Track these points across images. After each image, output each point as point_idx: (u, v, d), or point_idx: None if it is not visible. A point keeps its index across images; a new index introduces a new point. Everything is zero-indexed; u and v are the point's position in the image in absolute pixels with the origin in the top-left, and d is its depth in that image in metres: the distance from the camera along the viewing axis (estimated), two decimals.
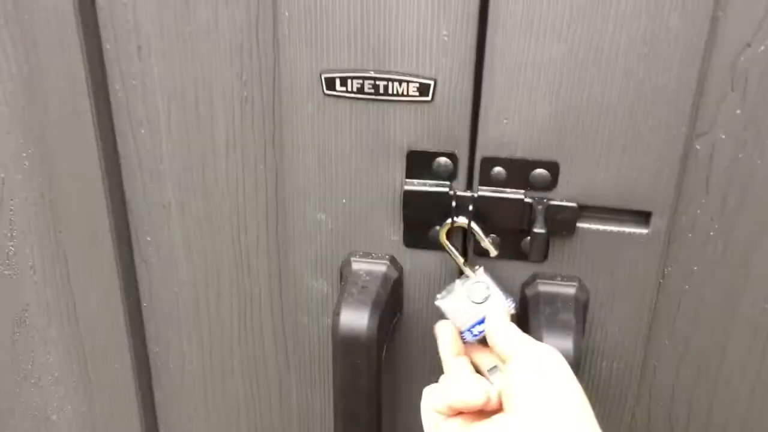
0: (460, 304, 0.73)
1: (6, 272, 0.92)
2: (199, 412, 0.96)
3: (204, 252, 0.86)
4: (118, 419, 0.97)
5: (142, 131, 0.81)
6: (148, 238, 0.86)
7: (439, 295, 0.75)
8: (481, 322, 0.72)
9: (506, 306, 0.72)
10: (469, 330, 0.73)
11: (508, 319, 0.71)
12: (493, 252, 0.74)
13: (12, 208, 0.88)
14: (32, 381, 0.99)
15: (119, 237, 0.86)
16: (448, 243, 0.74)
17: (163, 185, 0.83)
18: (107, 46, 0.77)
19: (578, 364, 0.69)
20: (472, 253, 0.77)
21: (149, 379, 0.95)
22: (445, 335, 0.73)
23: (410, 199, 0.75)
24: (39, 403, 1.00)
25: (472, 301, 0.73)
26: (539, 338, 0.69)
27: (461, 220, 0.74)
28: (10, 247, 0.90)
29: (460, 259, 0.75)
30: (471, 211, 0.74)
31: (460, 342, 0.73)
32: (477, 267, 0.75)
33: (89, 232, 0.86)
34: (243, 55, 0.75)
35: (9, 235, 0.89)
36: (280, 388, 0.91)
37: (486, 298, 0.73)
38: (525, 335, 0.67)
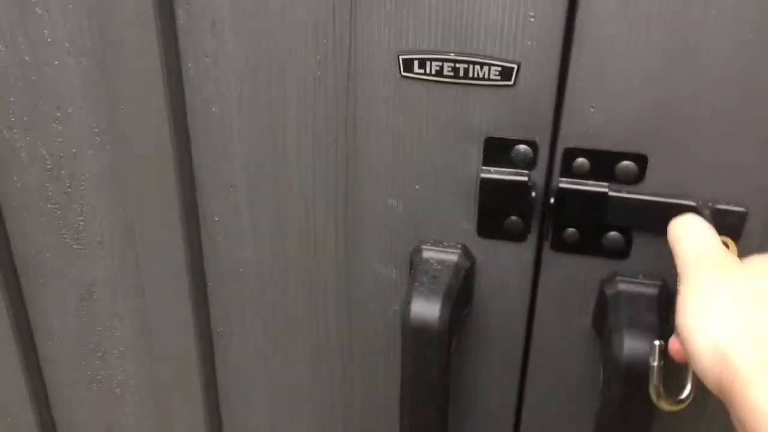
0: None
1: (75, 246, 0.92)
2: (261, 394, 0.95)
3: (271, 233, 0.84)
4: (180, 396, 0.97)
5: (214, 109, 0.79)
6: (216, 218, 0.85)
7: None
8: None
9: None
10: None
11: None
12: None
13: (83, 183, 0.88)
14: (98, 354, 1.00)
15: (187, 215, 0.85)
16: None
17: (232, 165, 0.82)
18: (181, 21, 0.76)
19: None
20: (549, 246, 0.74)
21: (212, 357, 0.95)
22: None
23: (486, 187, 0.72)
24: (103, 376, 1.01)
25: None
26: (620, 340, 0.66)
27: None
28: (80, 222, 0.90)
29: None
30: (550, 203, 0.71)
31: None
32: None
33: (158, 209, 0.85)
34: (318, 34, 0.72)
35: (79, 210, 0.90)
36: (343, 376, 0.90)
37: None
38: None
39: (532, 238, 0.74)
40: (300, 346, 0.90)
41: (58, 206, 0.90)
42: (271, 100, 0.77)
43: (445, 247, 0.76)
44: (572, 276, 0.74)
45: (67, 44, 0.80)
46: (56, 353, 1.02)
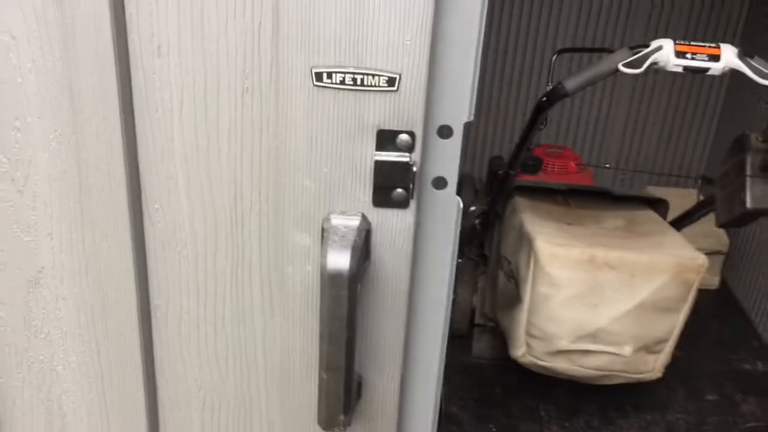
0: None
1: (26, 239, 1.07)
2: (192, 357, 1.13)
3: (204, 216, 1.04)
4: (121, 366, 1.13)
5: (157, 115, 0.99)
6: (157, 206, 1.04)
7: None
8: None
9: None
10: None
11: None
12: None
13: (36, 182, 1.04)
14: (41, 336, 1.14)
15: (133, 204, 1.03)
16: None
17: (172, 160, 1.01)
18: (133, 45, 0.96)
19: None
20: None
21: (149, 328, 1.12)
22: None
23: (379, 167, 0.97)
24: (45, 356, 1.15)
25: None
26: None
27: None
28: (32, 217, 1.06)
29: None
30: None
31: None
32: None
33: (107, 201, 1.03)
34: (246, 54, 0.95)
35: (32, 206, 1.05)
36: (264, 328, 1.10)
37: None
38: None
39: (412, 205, 0.99)
40: (227, 310, 1.10)
41: (11, 203, 1.05)
42: (207, 106, 0.98)
43: (349, 215, 1.00)
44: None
45: (29, 65, 0.97)
46: (2, 339, 1.14)
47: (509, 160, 2.08)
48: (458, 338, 2.53)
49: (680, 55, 1.51)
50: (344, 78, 0.93)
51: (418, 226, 1.01)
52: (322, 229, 1.01)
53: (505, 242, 2.27)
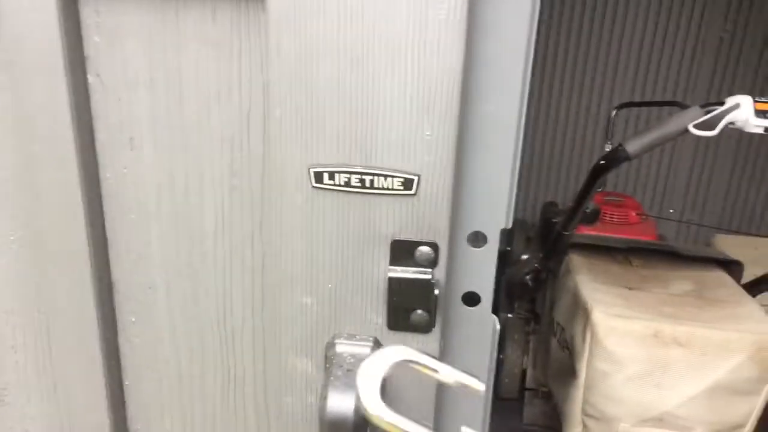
0: None
1: None
2: None
3: (189, 332, 0.88)
4: None
5: (132, 216, 0.83)
6: (133, 319, 0.88)
7: None
8: None
9: None
10: None
11: None
12: None
13: None
14: None
15: (104, 317, 0.87)
16: None
17: (150, 268, 0.85)
18: (100, 136, 0.80)
19: None
20: None
21: None
22: None
23: (394, 285, 0.78)
24: None
25: None
26: None
27: None
28: None
29: None
30: None
31: None
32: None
33: (74, 312, 0.87)
34: (233, 147, 0.78)
35: None
36: None
37: None
38: None
39: (437, 328, 0.81)
40: None
41: None
42: (189, 206, 0.81)
43: (357, 340, 0.82)
44: None
45: None
46: None
47: (564, 221, 1.87)
48: (507, 402, 2.32)
49: (761, 114, 1.30)
50: (350, 179, 0.75)
51: (444, 352, 0.82)
52: (326, 357, 0.83)
53: (558, 306, 2.05)
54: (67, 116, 0.77)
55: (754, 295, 1.92)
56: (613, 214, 2.34)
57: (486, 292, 0.82)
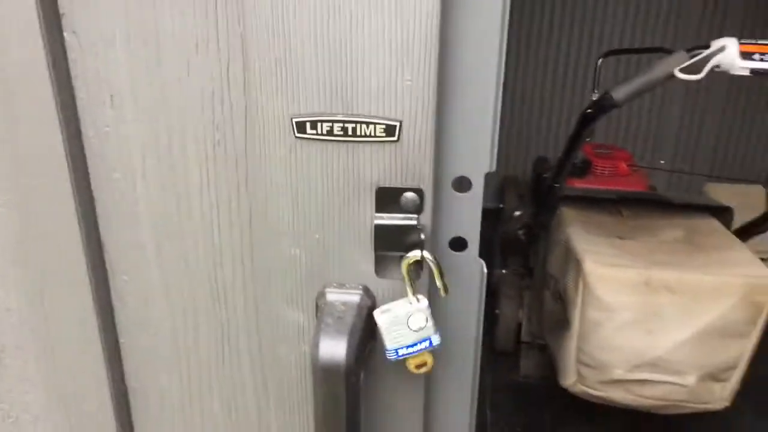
0: (397, 325, 0.78)
1: None
2: None
3: (181, 289, 0.88)
4: None
5: (117, 175, 0.83)
6: (125, 278, 0.89)
7: (380, 308, 0.79)
8: (411, 345, 0.77)
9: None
10: (395, 350, 0.78)
11: None
12: (444, 292, 0.78)
13: None
14: (10, 420, 1.00)
15: (96, 277, 0.88)
16: (405, 272, 0.78)
17: (139, 227, 0.85)
18: (80, 95, 0.79)
19: None
20: None
21: (129, 413, 0.97)
22: None
23: (380, 232, 0.79)
24: None
25: (409, 327, 0.78)
26: None
27: (414, 254, 0.78)
28: None
29: (410, 288, 0.79)
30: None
31: None
32: (421, 297, 0.79)
33: (67, 274, 0.87)
34: (215, 102, 0.78)
35: None
36: (258, 416, 0.94)
37: (420, 329, 0.78)
38: None
39: (424, 276, 0.82)
40: (215, 392, 0.94)
41: None
42: (173, 164, 0.82)
43: (347, 289, 0.83)
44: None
45: None
46: None
47: (553, 173, 1.88)
48: (503, 356, 2.35)
49: (746, 56, 1.29)
50: (332, 128, 0.75)
51: (433, 298, 0.83)
52: (317, 306, 0.84)
53: (551, 259, 2.06)
54: (46, 75, 0.77)
55: (744, 241, 1.93)
56: (603, 167, 2.34)
57: (472, 236, 0.83)
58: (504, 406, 2.20)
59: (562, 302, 1.92)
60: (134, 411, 0.97)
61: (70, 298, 0.89)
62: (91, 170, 0.83)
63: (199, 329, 0.90)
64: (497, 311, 2.31)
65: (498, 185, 2.72)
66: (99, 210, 0.85)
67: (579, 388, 1.91)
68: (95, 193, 0.84)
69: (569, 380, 1.92)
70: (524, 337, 2.33)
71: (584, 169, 2.37)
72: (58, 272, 0.88)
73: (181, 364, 0.93)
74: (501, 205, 2.73)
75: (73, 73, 0.78)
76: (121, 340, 0.92)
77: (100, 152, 0.82)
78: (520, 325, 2.34)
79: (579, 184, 2.31)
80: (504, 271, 2.44)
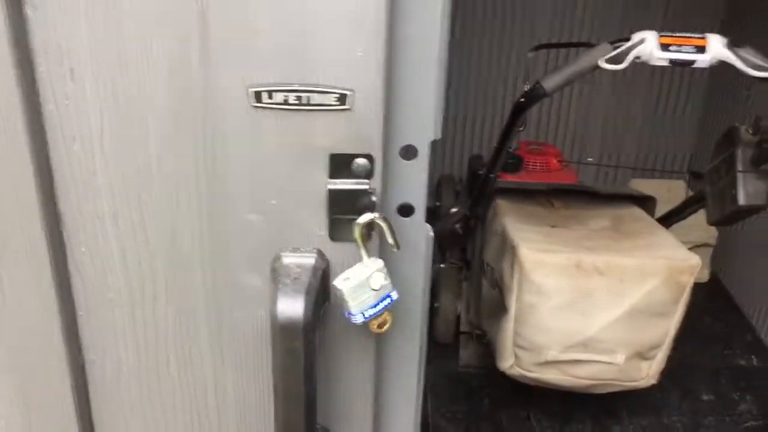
0: (359, 288, 0.83)
1: None
2: (135, 412, 1.00)
3: (139, 259, 0.91)
4: (55, 429, 1.00)
5: (75, 147, 0.85)
6: (83, 249, 0.91)
7: (340, 277, 0.84)
8: (374, 306, 0.83)
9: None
10: (362, 312, 0.83)
11: None
12: (396, 248, 0.84)
13: None
14: None
15: (54, 248, 0.90)
16: (358, 235, 0.84)
17: (98, 197, 0.88)
18: (40, 68, 0.82)
19: None
20: None
21: (86, 386, 0.99)
22: None
23: (334, 197, 0.84)
24: None
25: (371, 287, 0.84)
26: None
27: (366, 217, 0.83)
28: None
29: (364, 250, 0.84)
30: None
31: None
32: (377, 258, 0.84)
33: (24, 245, 0.89)
34: (174, 73, 0.81)
35: None
36: (215, 381, 0.97)
37: (382, 286, 0.84)
38: None
39: (375, 237, 0.87)
40: (171, 363, 0.97)
41: None
42: (132, 134, 0.85)
43: (302, 252, 0.87)
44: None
45: None
46: None
47: (488, 164, 1.96)
48: (443, 347, 2.41)
49: (665, 47, 1.39)
50: (287, 97, 0.80)
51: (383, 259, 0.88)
52: (273, 270, 0.88)
53: (487, 248, 2.15)
54: (6, 48, 0.79)
55: (666, 227, 2.05)
56: (535, 162, 2.44)
57: (419, 203, 0.89)
58: (445, 394, 2.26)
59: (499, 289, 2.00)
60: (91, 382, 0.98)
61: (28, 270, 0.90)
62: (49, 142, 0.85)
63: (157, 299, 0.93)
64: (437, 304, 2.38)
65: (434, 184, 2.80)
66: (57, 181, 0.87)
67: (516, 371, 1.99)
68: (54, 164, 0.86)
69: (506, 363, 1.99)
70: (463, 327, 2.40)
71: (517, 166, 2.47)
72: (15, 243, 0.89)
73: (137, 335, 0.95)
74: (438, 203, 2.80)
75: (33, 47, 0.80)
76: (79, 313, 0.94)
77: (59, 124, 0.84)
78: (458, 317, 2.41)
79: (513, 179, 2.41)
80: (442, 265, 2.51)
